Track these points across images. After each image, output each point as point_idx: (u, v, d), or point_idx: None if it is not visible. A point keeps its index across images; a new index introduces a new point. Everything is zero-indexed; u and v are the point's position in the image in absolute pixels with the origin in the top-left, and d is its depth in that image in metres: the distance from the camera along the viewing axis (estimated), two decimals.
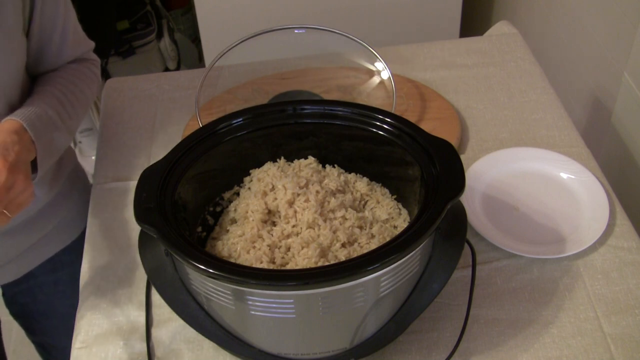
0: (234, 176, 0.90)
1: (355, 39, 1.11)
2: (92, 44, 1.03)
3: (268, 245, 0.79)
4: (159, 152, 1.10)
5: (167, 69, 2.38)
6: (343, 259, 0.77)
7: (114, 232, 0.99)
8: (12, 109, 0.88)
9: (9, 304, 1.15)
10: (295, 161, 0.89)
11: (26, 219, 1.00)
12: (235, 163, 0.89)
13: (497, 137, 1.10)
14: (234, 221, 0.86)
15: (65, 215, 1.08)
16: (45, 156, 0.88)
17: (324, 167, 0.90)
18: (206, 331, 0.77)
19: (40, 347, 1.23)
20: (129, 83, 1.27)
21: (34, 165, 0.86)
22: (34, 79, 0.96)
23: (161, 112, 1.19)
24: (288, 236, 0.80)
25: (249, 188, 0.88)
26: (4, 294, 1.13)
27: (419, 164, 0.80)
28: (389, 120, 0.84)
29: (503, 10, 1.99)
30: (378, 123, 0.85)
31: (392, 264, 0.69)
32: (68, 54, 0.97)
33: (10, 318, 1.18)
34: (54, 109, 0.90)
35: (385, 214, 0.85)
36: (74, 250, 1.09)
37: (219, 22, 1.83)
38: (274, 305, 0.70)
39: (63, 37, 0.94)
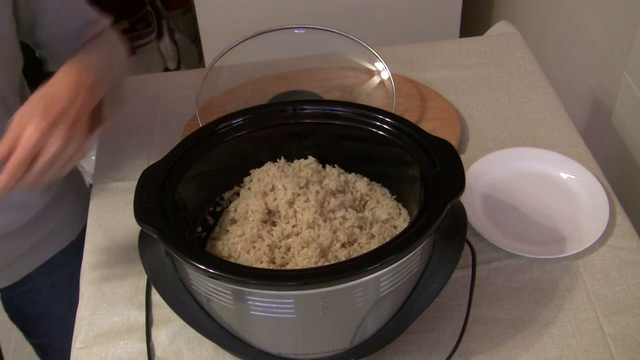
0: (234, 176, 0.90)
1: (355, 39, 1.11)
2: (107, 21, 0.97)
3: (268, 245, 0.79)
4: (159, 152, 1.09)
5: (167, 69, 2.38)
6: (343, 259, 0.77)
7: (114, 232, 0.99)
8: (6, 106, 0.87)
9: (7, 307, 1.15)
10: (295, 161, 0.89)
11: (23, 224, 0.99)
12: (235, 163, 0.89)
13: (497, 137, 1.10)
14: (234, 221, 0.86)
15: (62, 219, 1.07)
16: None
17: (324, 167, 0.90)
18: (206, 331, 0.77)
19: (39, 349, 1.23)
20: (129, 83, 1.26)
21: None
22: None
23: (161, 112, 1.19)
24: (288, 236, 0.80)
25: (249, 188, 0.88)
26: (1, 298, 1.13)
27: (419, 164, 0.80)
28: (389, 120, 0.84)
29: (503, 10, 1.99)
30: (378, 123, 0.85)
31: (392, 264, 0.69)
32: (70, 18, 0.92)
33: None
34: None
35: (385, 214, 0.85)
36: (71, 253, 1.09)
37: (219, 22, 1.83)
38: (274, 305, 0.70)
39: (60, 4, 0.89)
